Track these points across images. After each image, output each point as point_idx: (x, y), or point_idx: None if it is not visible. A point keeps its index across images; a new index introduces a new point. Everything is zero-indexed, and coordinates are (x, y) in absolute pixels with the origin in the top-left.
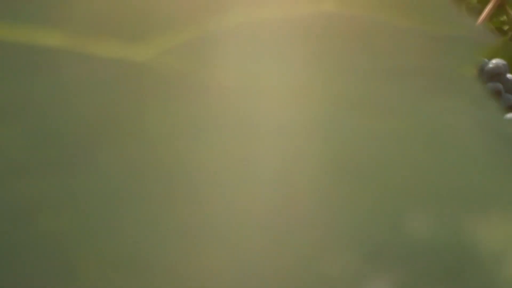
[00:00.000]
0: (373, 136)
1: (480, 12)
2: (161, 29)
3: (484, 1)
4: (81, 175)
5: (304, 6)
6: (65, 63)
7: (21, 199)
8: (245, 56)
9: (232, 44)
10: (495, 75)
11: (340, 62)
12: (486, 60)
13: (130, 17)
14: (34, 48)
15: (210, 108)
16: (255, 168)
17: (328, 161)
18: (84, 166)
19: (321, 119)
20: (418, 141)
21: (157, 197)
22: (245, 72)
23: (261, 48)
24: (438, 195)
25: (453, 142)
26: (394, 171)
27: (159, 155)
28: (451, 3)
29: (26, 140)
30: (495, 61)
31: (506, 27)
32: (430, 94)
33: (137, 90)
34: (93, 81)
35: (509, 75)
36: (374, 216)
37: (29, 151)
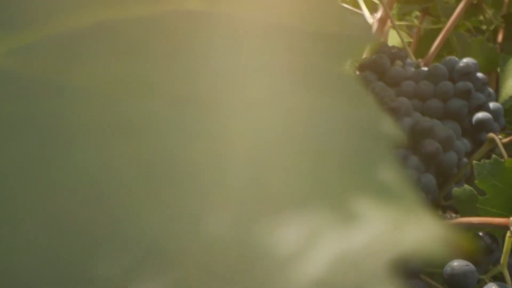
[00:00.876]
0: (210, 135)
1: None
2: (11, 28)
3: None
4: None
5: (168, 4)
6: None
7: None
8: (103, 55)
9: (90, 43)
10: (465, 74)
11: (203, 60)
12: (456, 58)
13: None
14: None
15: (63, 109)
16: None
17: (145, 161)
18: None
19: (166, 117)
20: (271, 140)
21: None
22: (103, 71)
23: (121, 46)
24: (242, 195)
25: (313, 141)
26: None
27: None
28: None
29: None
30: (465, 60)
31: (484, 27)
32: (303, 91)
33: None
34: None
35: (479, 74)
36: (158, 216)
37: None
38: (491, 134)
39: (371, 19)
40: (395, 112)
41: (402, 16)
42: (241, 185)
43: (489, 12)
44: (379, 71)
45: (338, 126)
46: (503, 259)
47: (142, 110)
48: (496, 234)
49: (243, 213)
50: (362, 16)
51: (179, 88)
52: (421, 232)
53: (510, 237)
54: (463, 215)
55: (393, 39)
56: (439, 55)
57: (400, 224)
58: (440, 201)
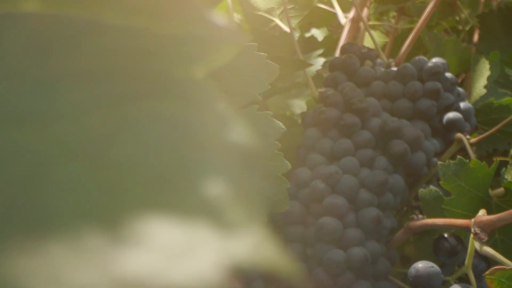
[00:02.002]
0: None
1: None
2: None
3: None
4: None
5: (1, 6)
6: None
7: None
8: None
9: None
10: (434, 74)
11: (28, 64)
12: (425, 58)
13: None
14: None
15: None
16: None
17: None
18: None
19: None
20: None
21: None
22: None
23: None
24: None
25: (134, 150)
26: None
27: None
28: None
29: None
30: (434, 60)
31: (460, 27)
32: (138, 97)
33: None
34: None
35: (448, 74)
36: None
37: None
38: (459, 134)
39: (343, 19)
40: (363, 113)
41: (379, 16)
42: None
43: (465, 12)
44: (349, 71)
45: (168, 134)
46: (468, 260)
47: None
48: (461, 235)
49: None
50: (226, 16)
51: None
52: (236, 248)
53: (473, 238)
54: (429, 216)
55: (370, 39)
56: (415, 55)
57: (208, 244)
58: (411, 202)
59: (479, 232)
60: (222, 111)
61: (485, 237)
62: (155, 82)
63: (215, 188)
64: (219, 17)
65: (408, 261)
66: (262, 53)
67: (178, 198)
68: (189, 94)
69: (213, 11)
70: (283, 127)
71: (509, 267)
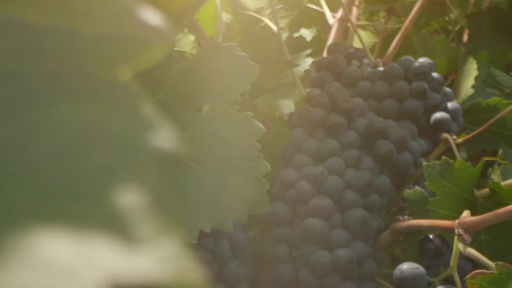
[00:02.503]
0: None
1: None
2: None
3: None
4: None
5: None
6: None
7: None
8: None
9: None
10: (420, 74)
11: None
12: (412, 58)
13: None
14: None
15: None
16: None
17: None
18: None
19: None
20: None
21: None
22: None
23: None
24: None
25: (44, 155)
26: None
27: None
28: None
29: None
30: (421, 60)
31: (450, 27)
32: (55, 99)
33: None
34: None
35: (434, 74)
36: None
37: None
38: (445, 135)
39: (331, 18)
40: (349, 113)
41: (369, 16)
42: None
43: (455, 12)
44: (335, 71)
45: (82, 140)
46: (453, 261)
47: None
48: (447, 236)
49: None
50: (157, 15)
51: None
52: (135, 264)
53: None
54: (415, 217)
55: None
56: (404, 55)
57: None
58: (398, 202)
59: (462, 233)
60: (147, 116)
61: (468, 239)
62: (75, 84)
63: (127, 199)
64: (148, 14)
65: (397, 262)
66: (243, 54)
67: (81, 209)
68: (111, 97)
69: (142, 8)
70: (263, 128)
71: (490, 271)
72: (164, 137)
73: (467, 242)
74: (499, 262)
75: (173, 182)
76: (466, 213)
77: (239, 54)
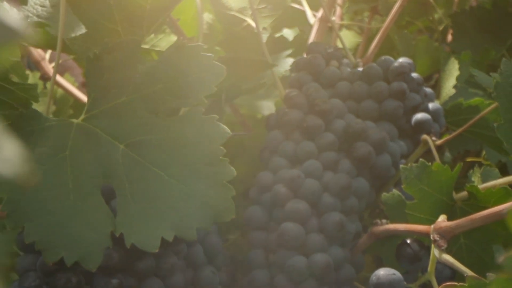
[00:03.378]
0: None
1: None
2: None
3: None
4: None
5: None
6: None
7: None
8: None
9: None
10: (400, 74)
11: None
12: (391, 58)
13: None
14: None
15: None
16: None
17: None
18: None
19: None
20: None
21: None
22: None
23: None
24: None
25: None
26: None
27: None
28: None
29: None
30: (400, 60)
31: (434, 27)
32: None
33: None
34: None
35: (414, 74)
36: None
37: None
38: (425, 136)
39: (312, 18)
40: (327, 114)
41: (353, 15)
42: None
43: (439, 12)
44: (314, 71)
45: None
46: (430, 267)
47: None
48: (425, 241)
49: None
50: (13, 11)
51: None
52: None
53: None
54: (392, 221)
55: (346, 39)
56: (387, 55)
57: None
58: (379, 205)
59: (438, 239)
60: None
61: (444, 244)
62: None
63: None
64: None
65: (383, 265)
66: (209, 54)
67: None
68: None
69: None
70: (229, 131)
71: (460, 284)
72: (4, 159)
73: (442, 248)
74: (470, 275)
75: (135, 188)
76: (442, 218)
77: (205, 55)
